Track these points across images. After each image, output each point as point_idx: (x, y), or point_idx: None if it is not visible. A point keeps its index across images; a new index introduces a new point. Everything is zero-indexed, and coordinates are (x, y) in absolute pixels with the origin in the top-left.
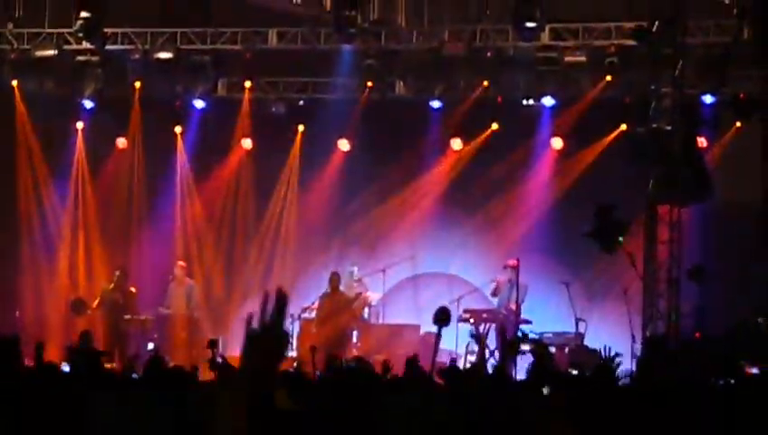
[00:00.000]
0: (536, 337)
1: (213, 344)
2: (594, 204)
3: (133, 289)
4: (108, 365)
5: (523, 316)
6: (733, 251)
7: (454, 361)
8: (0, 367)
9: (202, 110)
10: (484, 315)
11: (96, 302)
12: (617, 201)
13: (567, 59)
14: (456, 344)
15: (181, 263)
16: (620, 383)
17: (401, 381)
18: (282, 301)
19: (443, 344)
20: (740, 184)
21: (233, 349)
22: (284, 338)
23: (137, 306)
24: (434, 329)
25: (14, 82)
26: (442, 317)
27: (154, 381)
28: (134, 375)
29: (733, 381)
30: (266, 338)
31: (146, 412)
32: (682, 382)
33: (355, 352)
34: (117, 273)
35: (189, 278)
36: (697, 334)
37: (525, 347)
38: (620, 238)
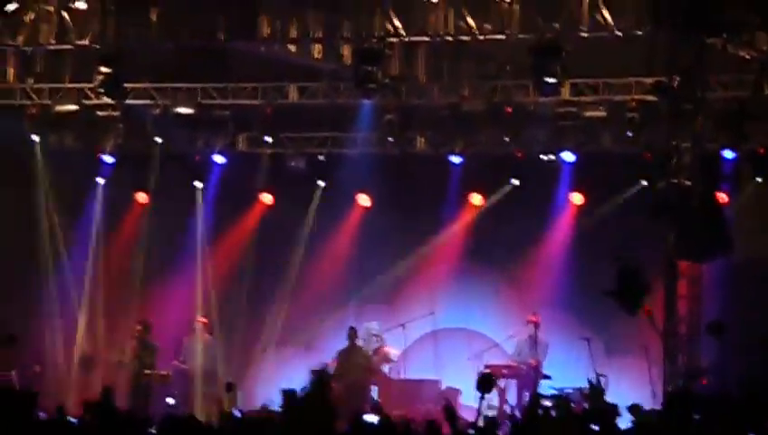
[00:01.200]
0: (557, 393)
1: (230, 388)
2: (618, 263)
3: (156, 344)
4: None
5: (543, 372)
6: (753, 306)
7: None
8: (18, 420)
9: (222, 165)
10: (505, 371)
11: (125, 356)
12: (637, 256)
13: (587, 114)
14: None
15: (202, 319)
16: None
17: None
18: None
19: (462, 400)
20: (759, 239)
21: (250, 403)
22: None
23: (158, 362)
24: (454, 384)
25: (35, 137)
26: (485, 383)
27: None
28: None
29: None
30: (309, 412)
31: None
32: None
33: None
34: (138, 328)
35: (208, 334)
36: (704, 381)
37: (547, 403)
38: (643, 300)
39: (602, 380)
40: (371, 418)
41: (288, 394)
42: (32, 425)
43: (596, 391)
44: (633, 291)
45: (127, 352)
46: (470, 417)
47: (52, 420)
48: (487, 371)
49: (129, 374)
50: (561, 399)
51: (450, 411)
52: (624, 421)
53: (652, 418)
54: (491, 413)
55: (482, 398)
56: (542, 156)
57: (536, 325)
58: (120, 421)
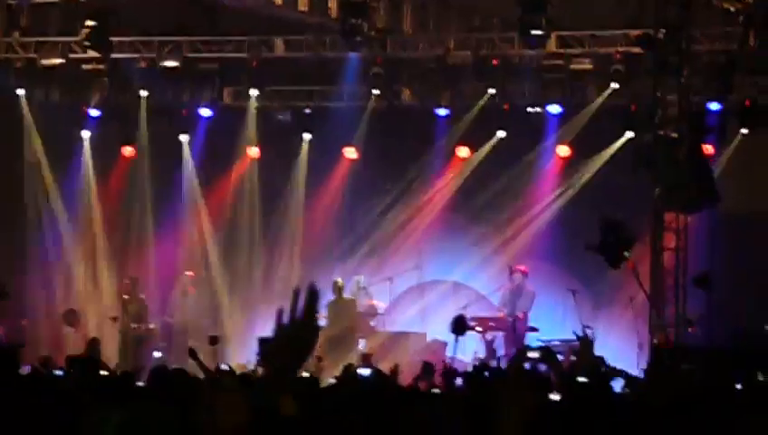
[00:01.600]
0: (544, 345)
1: (214, 341)
2: (600, 218)
3: (143, 297)
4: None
5: (529, 324)
6: (739, 258)
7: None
8: (1, 373)
9: (208, 118)
10: (491, 323)
11: (118, 312)
12: (623, 209)
13: (573, 67)
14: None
15: (189, 273)
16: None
17: (417, 392)
18: (313, 296)
19: (448, 352)
20: (746, 191)
21: (236, 357)
22: (315, 333)
23: (147, 316)
24: (440, 336)
25: (21, 91)
26: (458, 326)
27: (158, 388)
28: (139, 383)
29: (742, 389)
30: (296, 333)
31: (150, 420)
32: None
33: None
34: (126, 282)
35: (194, 287)
36: (692, 329)
37: (534, 355)
38: (626, 254)
39: (589, 332)
40: (364, 371)
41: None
42: (16, 378)
43: (585, 342)
44: (616, 244)
45: (116, 307)
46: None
47: (37, 374)
48: (460, 313)
49: (118, 328)
50: (547, 350)
51: (429, 369)
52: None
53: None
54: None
55: (456, 340)
56: (528, 108)
57: (523, 276)
58: (104, 375)
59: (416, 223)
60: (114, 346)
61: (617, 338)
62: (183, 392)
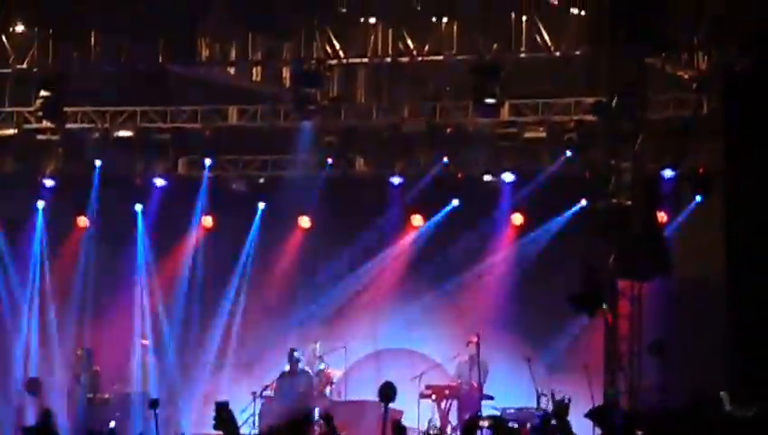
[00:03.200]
0: (497, 414)
1: (153, 405)
2: (580, 264)
3: (97, 368)
4: None
5: (485, 392)
6: (692, 324)
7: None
8: None
9: (162, 188)
10: (447, 392)
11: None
12: (577, 276)
13: (527, 135)
14: (419, 421)
15: (144, 341)
16: None
17: None
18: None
19: (405, 421)
20: (700, 258)
21: (195, 426)
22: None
23: (101, 386)
24: (395, 405)
25: None
26: (386, 393)
27: None
28: None
29: None
30: None
31: None
32: None
33: (318, 430)
34: (79, 352)
35: (148, 356)
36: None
37: (485, 424)
38: (603, 305)
39: (544, 399)
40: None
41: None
42: None
43: (561, 407)
44: (593, 293)
45: (70, 378)
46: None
47: None
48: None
49: (72, 399)
50: (498, 419)
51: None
52: None
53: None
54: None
55: (386, 408)
56: (482, 177)
57: (477, 346)
58: None
59: (370, 290)
60: (67, 415)
61: (573, 404)
62: None
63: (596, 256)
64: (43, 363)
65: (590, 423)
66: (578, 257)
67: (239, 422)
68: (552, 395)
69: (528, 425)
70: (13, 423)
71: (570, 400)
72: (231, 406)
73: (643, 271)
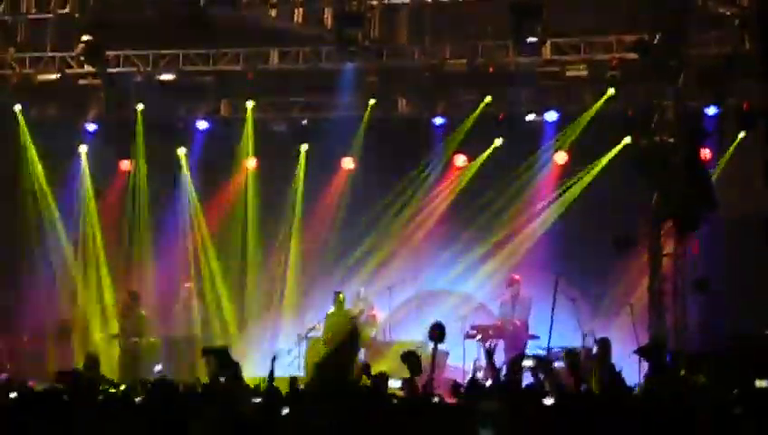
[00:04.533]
0: (541, 353)
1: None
2: (612, 236)
3: (144, 312)
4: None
5: (530, 332)
6: (738, 263)
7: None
8: None
9: (205, 130)
10: (491, 331)
11: (114, 327)
12: (620, 215)
13: (569, 73)
14: (464, 361)
15: (188, 284)
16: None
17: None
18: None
19: (450, 360)
20: (744, 195)
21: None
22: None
23: (147, 329)
24: (443, 346)
25: (17, 107)
26: (437, 333)
27: (157, 404)
28: (137, 399)
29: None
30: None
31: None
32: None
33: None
34: (126, 296)
35: (196, 299)
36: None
37: (529, 363)
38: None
39: (589, 338)
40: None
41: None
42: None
43: (605, 343)
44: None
45: (116, 323)
46: (457, 377)
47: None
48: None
49: (119, 342)
50: (542, 359)
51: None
52: None
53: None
54: (480, 374)
55: (435, 347)
56: (525, 116)
57: (519, 283)
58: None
59: (414, 232)
60: (115, 360)
61: (616, 344)
62: (182, 407)
63: (639, 194)
64: (93, 307)
65: (633, 363)
66: (622, 195)
67: (286, 363)
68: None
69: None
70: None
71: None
72: (279, 347)
73: (687, 215)
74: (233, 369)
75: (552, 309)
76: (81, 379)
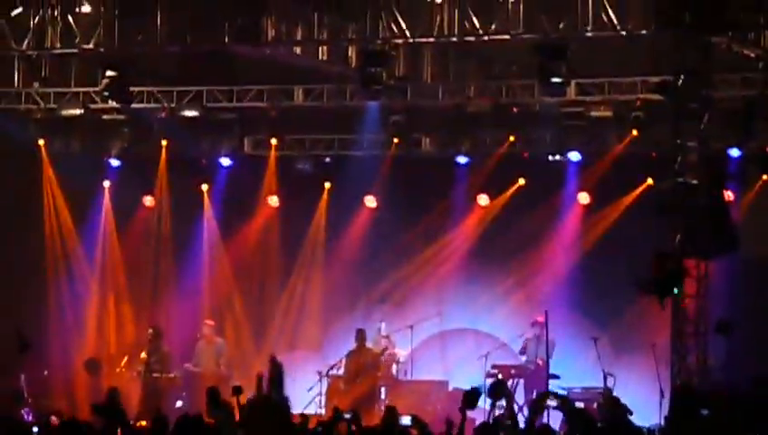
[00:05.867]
0: (563, 393)
1: (238, 391)
2: (654, 251)
3: (166, 348)
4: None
5: (551, 371)
6: (760, 304)
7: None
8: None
9: (228, 167)
10: (513, 371)
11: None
12: (643, 256)
13: (593, 114)
14: (485, 400)
15: (209, 322)
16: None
17: None
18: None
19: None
20: (766, 237)
21: None
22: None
23: (169, 365)
24: (461, 385)
25: (41, 142)
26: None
27: None
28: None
29: None
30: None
31: None
32: None
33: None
34: (149, 331)
35: (218, 336)
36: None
37: (552, 403)
38: (676, 290)
39: (610, 379)
40: (405, 419)
41: None
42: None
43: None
44: (667, 279)
45: (137, 358)
46: (478, 418)
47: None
48: (499, 377)
49: (140, 378)
50: (565, 398)
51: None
52: None
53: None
54: (498, 412)
55: (493, 405)
56: (548, 156)
57: (542, 326)
58: (127, 423)
59: (437, 271)
60: (136, 396)
61: (638, 384)
62: None
63: (662, 236)
64: (114, 343)
65: (655, 403)
66: (644, 237)
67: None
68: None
69: (594, 404)
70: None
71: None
72: (299, 385)
73: (709, 250)
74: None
75: (605, 375)
76: (117, 413)
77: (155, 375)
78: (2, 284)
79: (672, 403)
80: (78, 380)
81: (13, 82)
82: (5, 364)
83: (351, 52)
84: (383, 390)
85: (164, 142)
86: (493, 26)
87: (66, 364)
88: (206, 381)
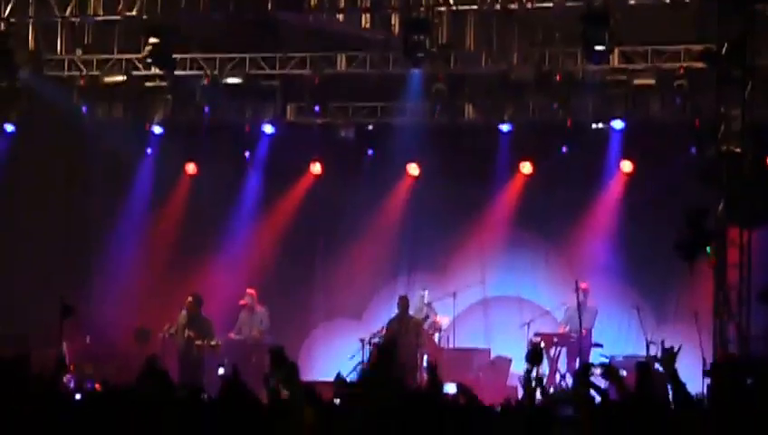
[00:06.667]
0: (607, 361)
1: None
2: (685, 210)
3: (206, 316)
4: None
5: (593, 340)
6: None
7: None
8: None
9: (271, 135)
10: (555, 339)
11: (173, 328)
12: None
13: (636, 82)
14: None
15: (250, 290)
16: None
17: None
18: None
19: (513, 368)
20: None
21: (302, 373)
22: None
23: (210, 333)
24: (504, 353)
25: (84, 108)
26: (534, 356)
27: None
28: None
29: None
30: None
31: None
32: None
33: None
34: (189, 299)
35: (260, 305)
36: None
37: (597, 371)
38: (708, 249)
39: (652, 347)
40: (450, 386)
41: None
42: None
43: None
44: (698, 237)
45: (178, 324)
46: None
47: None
48: (538, 342)
49: (181, 345)
50: (610, 367)
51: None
52: None
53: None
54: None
55: (529, 370)
56: (592, 124)
57: (585, 293)
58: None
59: (479, 238)
60: (175, 363)
61: (681, 354)
62: (252, 406)
63: (705, 204)
64: (157, 310)
65: (697, 372)
66: (687, 206)
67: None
68: (662, 343)
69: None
70: None
71: (679, 349)
72: (341, 353)
73: (753, 218)
74: (286, 369)
75: (647, 344)
76: (166, 378)
77: (198, 343)
78: (47, 251)
79: (713, 372)
80: (124, 347)
81: (56, 49)
82: (49, 332)
83: (394, 19)
84: (425, 356)
85: (206, 109)
86: None
87: (110, 332)
88: (247, 350)
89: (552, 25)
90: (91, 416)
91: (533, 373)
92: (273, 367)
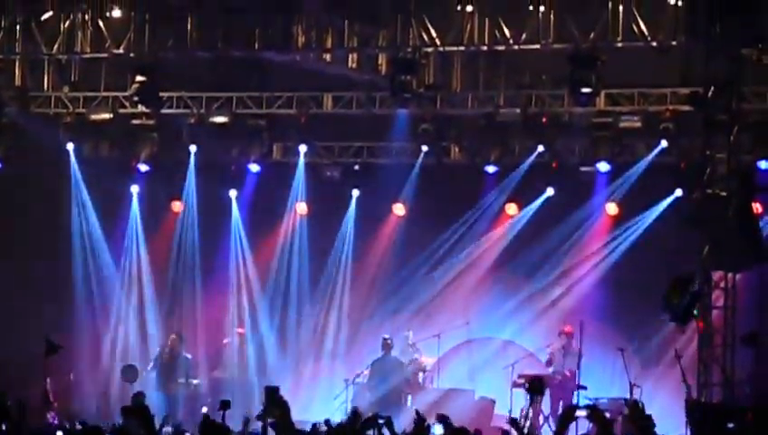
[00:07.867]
0: (591, 403)
1: (225, 405)
2: (673, 277)
3: (188, 356)
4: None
5: (578, 382)
6: None
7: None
8: None
9: (257, 174)
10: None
11: (150, 366)
12: (671, 267)
13: (622, 124)
14: (511, 410)
15: (239, 330)
16: None
17: None
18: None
19: (497, 410)
20: None
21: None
22: None
23: (191, 371)
24: (487, 394)
25: (70, 146)
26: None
27: None
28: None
29: None
30: None
31: None
32: None
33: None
34: (172, 337)
35: (245, 344)
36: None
37: (581, 413)
38: (695, 312)
39: (636, 390)
40: (438, 429)
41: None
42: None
43: (633, 405)
44: (686, 302)
45: (160, 361)
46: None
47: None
48: (539, 375)
49: (160, 384)
50: (595, 409)
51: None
52: None
53: None
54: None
55: (531, 402)
56: (578, 166)
57: (569, 336)
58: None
59: (464, 280)
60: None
61: (665, 396)
62: None
63: (690, 248)
64: (139, 348)
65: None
66: (672, 248)
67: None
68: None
69: (620, 416)
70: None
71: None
72: (325, 393)
73: (737, 262)
74: (280, 410)
75: (631, 387)
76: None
77: (180, 381)
78: (29, 288)
79: (692, 417)
80: (103, 384)
81: (43, 86)
82: (33, 369)
83: (381, 59)
84: (409, 397)
85: (193, 148)
86: (523, 35)
87: (92, 369)
88: (231, 389)
89: (538, 67)
90: None
91: (530, 411)
92: (266, 406)
